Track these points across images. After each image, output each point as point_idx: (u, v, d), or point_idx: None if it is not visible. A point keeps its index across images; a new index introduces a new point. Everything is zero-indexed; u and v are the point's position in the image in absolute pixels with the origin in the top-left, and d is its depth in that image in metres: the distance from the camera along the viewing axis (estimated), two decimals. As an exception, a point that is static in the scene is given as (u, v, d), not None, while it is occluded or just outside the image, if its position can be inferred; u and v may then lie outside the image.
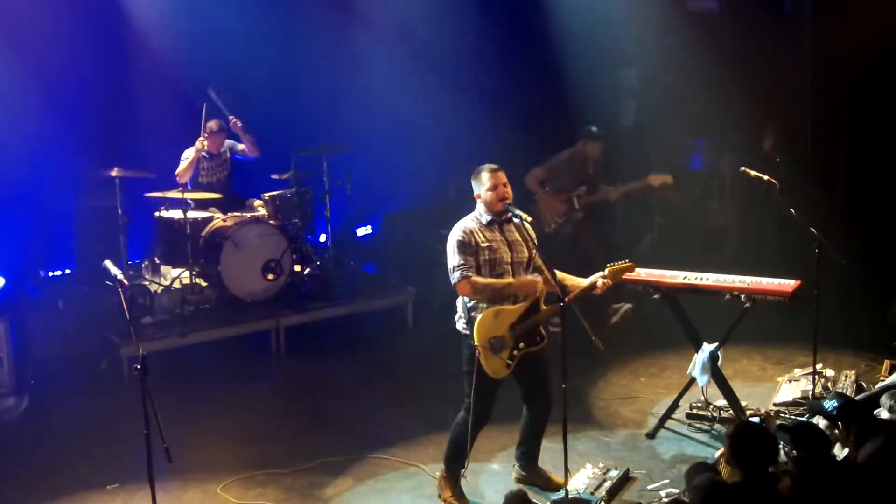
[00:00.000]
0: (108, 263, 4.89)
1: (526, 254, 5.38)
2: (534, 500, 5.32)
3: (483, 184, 5.36)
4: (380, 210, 10.61)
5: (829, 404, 4.98)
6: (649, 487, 5.73)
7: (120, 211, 8.28)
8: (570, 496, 5.32)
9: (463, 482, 5.60)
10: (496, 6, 9.89)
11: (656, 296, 6.35)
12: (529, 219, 5.40)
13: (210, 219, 8.57)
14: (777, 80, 9.27)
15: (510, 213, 5.32)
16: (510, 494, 5.02)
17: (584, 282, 5.45)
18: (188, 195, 8.35)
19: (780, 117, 9.37)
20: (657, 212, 9.96)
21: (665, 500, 5.55)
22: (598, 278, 5.43)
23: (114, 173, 8.20)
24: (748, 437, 4.46)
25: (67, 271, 9.12)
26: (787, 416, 6.40)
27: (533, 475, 5.77)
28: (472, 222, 5.39)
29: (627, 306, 8.34)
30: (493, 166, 5.40)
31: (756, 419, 5.56)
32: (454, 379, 5.67)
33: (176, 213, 8.42)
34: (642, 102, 10.48)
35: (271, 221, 8.62)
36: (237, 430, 6.74)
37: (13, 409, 7.08)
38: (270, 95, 9.60)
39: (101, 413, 6.95)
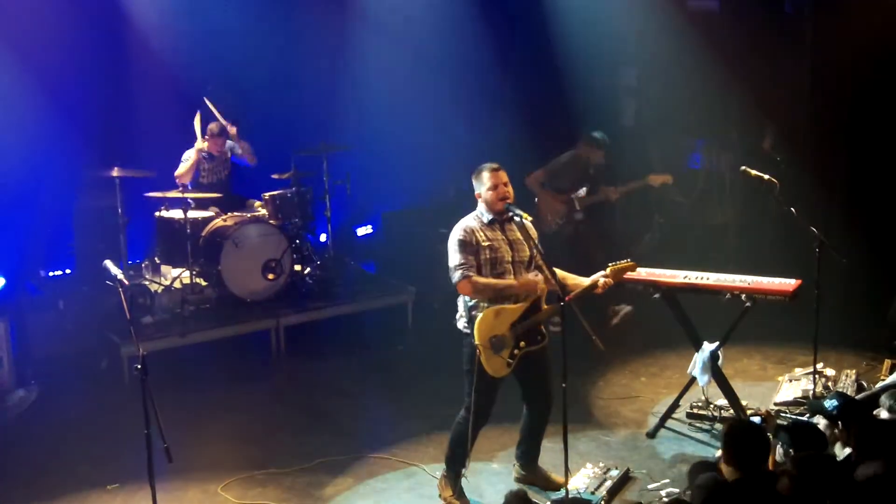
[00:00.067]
0: (108, 263, 4.88)
1: (527, 253, 5.38)
2: (534, 500, 5.33)
3: (484, 183, 5.36)
4: (380, 209, 10.61)
5: (830, 404, 4.98)
6: (650, 487, 5.73)
7: (120, 211, 8.28)
8: (570, 496, 5.32)
9: (463, 481, 5.60)
10: (496, 6, 9.89)
11: (656, 295, 6.35)
12: (530, 218, 5.41)
13: (210, 218, 8.58)
14: (777, 80, 9.27)
15: (511, 213, 5.32)
16: (510, 494, 5.02)
17: (585, 281, 5.45)
18: (188, 195, 8.35)
19: (780, 117, 9.37)
20: (657, 211, 9.96)
21: (665, 499, 5.55)
22: (600, 277, 5.43)
23: (114, 173, 8.21)
24: (741, 435, 4.48)
25: (67, 271, 9.11)
26: (788, 415, 6.40)
27: (533, 475, 5.77)
28: (473, 221, 5.39)
29: (627, 308, 8.34)
30: (494, 165, 5.40)
31: (756, 419, 5.54)
32: (454, 378, 5.66)
33: (176, 213, 8.43)
34: (642, 102, 10.48)
35: (271, 221, 8.62)
36: (237, 430, 6.75)
37: (23, 401, 7.09)
38: (270, 95, 9.61)
39: (101, 413, 6.95)
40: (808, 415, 6.12)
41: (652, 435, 6.43)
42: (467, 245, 5.30)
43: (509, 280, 5.31)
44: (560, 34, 9.69)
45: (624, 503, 5.62)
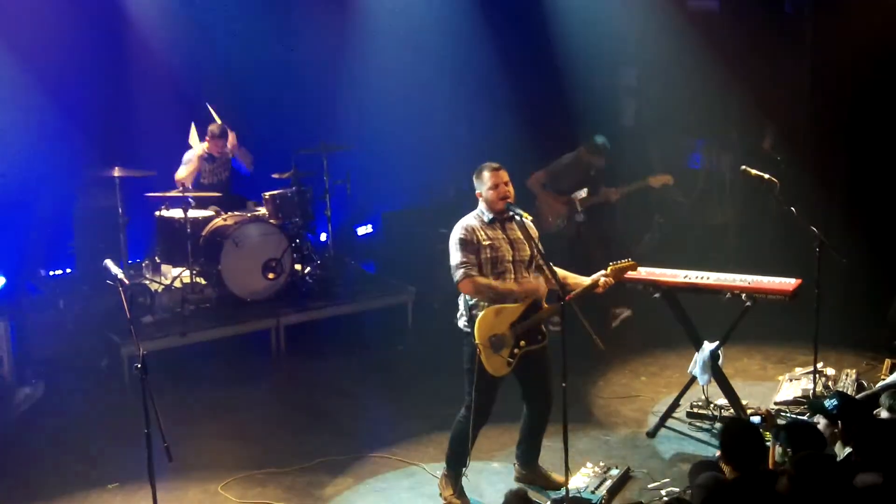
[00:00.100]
0: (108, 263, 4.88)
1: (528, 252, 5.38)
2: (534, 500, 5.33)
3: (484, 182, 5.37)
4: (380, 209, 10.62)
5: (830, 403, 4.98)
6: (650, 486, 5.73)
7: (120, 210, 8.28)
8: (570, 495, 5.32)
9: (464, 481, 5.60)
10: (496, 6, 9.89)
11: (657, 295, 6.35)
12: (530, 217, 5.41)
13: (210, 218, 8.58)
14: (777, 80, 9.27)
15: (511, 212, 5.32)
16: (510, 493, 5.02)
17: (585, 280, 5.45)
18: (189, 194, 8.36)
19: (780, 117, 9.38)
20: (657, 211, 9.96)
21: (666, 498, 5.55)
22: (600, 277, 5.43)
23: (115, 173, 8.19)
24: (736, 434, 4.49)
25: (68, 271, 9.11)
26: (788, 415, 6.40)
27: (533, 474, 5.77)
28: (474, 220, 5.39)
29: (627, 313, 8.33)
30: (495, 165, 5.40)
31: (756, 418, 5.55)
32: (454, 378, 5.67)
33: (176, 213, 8.43)
34: (642, 102, 10.48)
35: (272, 220, 8.62)
36: (237, 430, 6.74)
37: (28, 399, 7.08)
38: (270, 95, 9.62)
39: (101, 412, 6.95)
40: (808, 414, 6.11)
41: (652, 434, 6.43)
42: (468, 244, 5.30)
43: (511, 284, 5.31)
44: (560, 34, 9.69)
45: (624, 502, 5.62)
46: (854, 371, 7.05)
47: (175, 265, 8.68)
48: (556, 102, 9.76)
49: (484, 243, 5.32)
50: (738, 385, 6.63)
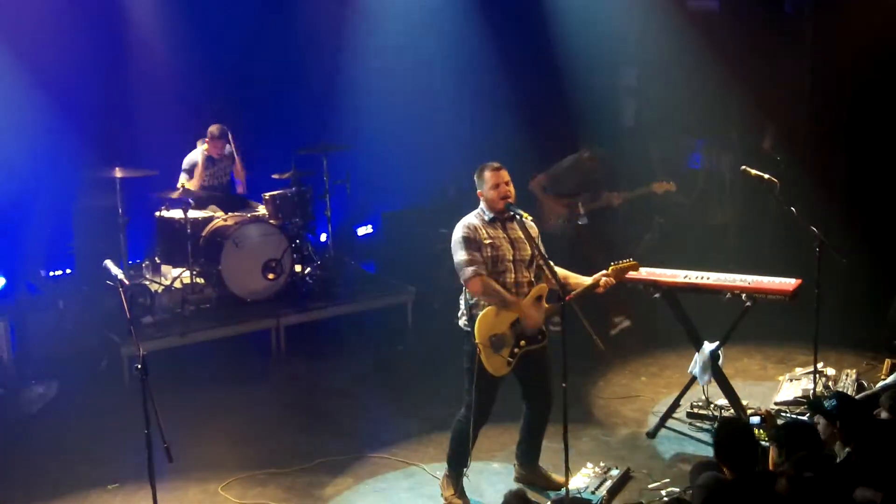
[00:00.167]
0: (108, 263, 4.88)
1: (528, 252, 5.38)
2: (534, 500, 5.32)
3: (485, 181, 5.37)
4: (380, 209, 10.62)
5: (829, 403, 4.98)
6: (650, 486, 5.73)
7: (120, 210, 8.27)
8: (570, 495, 5.31)
9: (464, 481, 5.59)
10: (496, 6, 9.89)
11: (657, 295, 6.35)
12: (530, 217, 5.41)
13: (210, 218, 8.58)
14: (777, 80, 9.27)
15: (511, 212, 5.32)
16: (510, 493, 5.01)
17: (586, 280, 5.45)
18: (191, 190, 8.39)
19: (780, 117, 9.37)
20: (657, 211, 9.96)
21: (666, 499, 5.55)
22: (601, 276, 5.43)
23: (117, 174, 8.17)
24: (726, 435, 4.50)
25: (67, 271, 9.10)
26: (788, 415, 6.40)
27: (533, 474, 5.77)
28: (475, 219, 5.39)
29: (626, 323, 8.31)
30: (496, 164, 5.40)
31: (756, 418, 5.55)
32: (454, 378, 5.67)
33: (176, 213, 8.43)
34: (642, 102, 10.48)
35: (272, 221, 8.62)
36: (237, 430, 6.75)
37: (41, 398, 7.08)
38: (271, 94, 9.62)
39: (101, 413, 6.94)
40: (808, 414, 6.11)
41: (652, 434, 6.43)
42: (472, 241, 5.30)
43: (516, 298, 5.30)
44: (560, 34, 9.69)
45: (624, 502, 5.62)
46: (854, 371, 7.04)
47: (175, 265, 8.68)
48: (556, 102, 9.75)
49: (485, 242, 5.32)
50: (738, 385, 6.63)
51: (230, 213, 8.68)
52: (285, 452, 6.30)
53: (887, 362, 6.92)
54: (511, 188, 5.37)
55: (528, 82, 10.01)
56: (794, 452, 4.49)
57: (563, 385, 4.99)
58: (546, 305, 5.40)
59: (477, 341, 5.21)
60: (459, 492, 5.58)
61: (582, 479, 5.66)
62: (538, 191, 8.44)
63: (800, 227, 6.24)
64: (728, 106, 9.40)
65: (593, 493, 5.53)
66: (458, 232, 5.35)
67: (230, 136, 8.76)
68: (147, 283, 8.51)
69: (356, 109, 9.77)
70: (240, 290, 8.33)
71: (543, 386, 5.56)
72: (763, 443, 5.16)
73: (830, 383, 6.81)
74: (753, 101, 9.31)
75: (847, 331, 7.67)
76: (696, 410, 6.55)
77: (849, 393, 6.39)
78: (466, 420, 5.40)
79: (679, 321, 6.43)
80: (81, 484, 5.96)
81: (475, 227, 5.35)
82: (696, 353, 6.36)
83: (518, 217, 5.30)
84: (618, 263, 5.49)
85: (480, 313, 5.26)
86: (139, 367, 4.43)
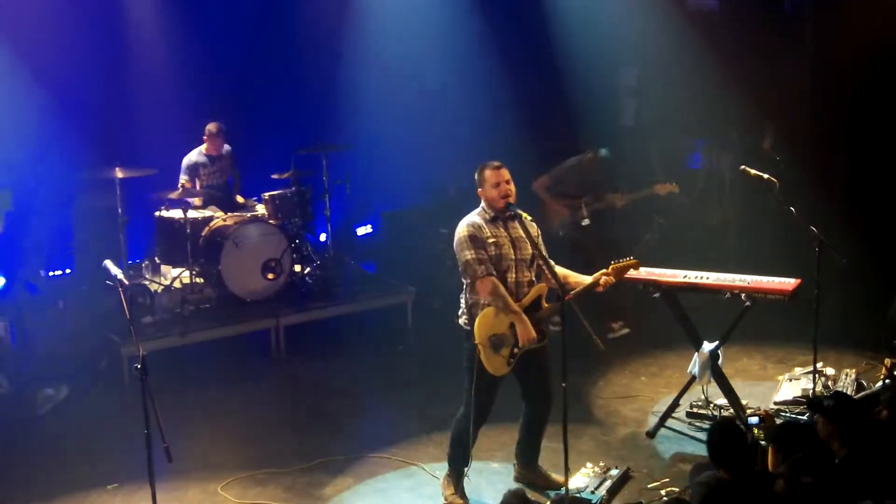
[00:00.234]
0: (108, 263, 4.88)
1: (529, 251, 5.37)
2: (533, 500, 5.33)
3: (486, 180, 5.37)
4: (380, 209, 10.62)
5: (828, 403, 4.98)
6: (649, 486, 5.73)
7: (120, 210, 8.27)
8: (570, 495, 5.31)
9: (464, 481, 5.59)
10: (496, 6, 9.89)
11: (656, 294, 6.35)
12: (529, 217, 5.41)
13: (210, 218, 8.58)
14: (777, 80, 9.28)
15: (511, 211, 5.32)
16: (509, 493, 5.02)
17: (586, 279, 5.45)
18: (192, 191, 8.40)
19: (780, 117, 9.38)
20: (657, 211, 9.96)
21: (665, 498, 5.55)
22: (601, 275, 5.43)
23: (117, 174, 8.16)
24: (717, 436, 4.51)
25: (67, 271, 9.11)
26: (788, 415, 6.40)
27: (533, 474, 5.77)
28: (478, 217, 5.39)
29: (625, 331, 8.29)
30: (496, 163, 5.40)
31: (755, 419, 5.55)
32: (454, 378, 5.67)
33: (176, 213, 8.43)
34: (642, 102, 10.49)
35: (271, 221, 8.62)
36: (237, 430, 6.75)
37: (49, 400, 7.07)
38: (271, 94, 9.62)
39: (100, 413, 6.94)
40: (807, 414, 6.11)
41: (652, 434, 6.43)
42: (477, 240, 5.30)
43: (518, 308, 5.29)
44: (560, 34, 9.69)
45: (624, 503, 5.62)
46: (854, 371, 7.04)
47: (175, 265, 8.68)
48: (556, 102, 9.76)
49: (489, 241, 5.32)
50: (737, 385, 6.63)
51: (230, 213, 8.68)
52: (285, 452, 6.30)
53: (887, 361, 6.92)
54: (511, 187, 5.37)
55: (528, 82, 10.01)
56: (792, 453, 4.50)
57: (563, 385, 4.98)
58: (546, 305, 5.40)
59: (477, 341, 5.21)
60: (460, 492, 5.58)
61: (581, 479, 5.66)
62: (541, 192, 8.43)
63: (799, 226, 6.24)
64: (728, 106, 9.40)
65: (593, 492, 5.53)
66: (463, 231, 5.35)
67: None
68: (147, 283, 8.52)
69: (356, 109, 9.78)
70: (239, 290, 8.33)
71: (543, 385, 5.56)
72: (762, 443, 5.16)
73: (830, 383, 6.81)
74: (753, 101, 9.31)
75: (847, 331, 7.68)
76: (695, 410, 6.56)
77: (848, 393, 6.39)
78: (466, 419, 5.40)
79: (679, 321, 6.43)
80: (81, 484, 5.96)
81: (479, 226, 5.34)
82: (696, 353, 6.36)
83: (518, 216, 5.31)
84: (618, 262, 5.48)
85: (480, 313, 5.26)
86: (139, 367, 4.44)
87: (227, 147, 8.93)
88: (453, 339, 5.59)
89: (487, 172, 5.37)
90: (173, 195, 8.35)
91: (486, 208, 5.41)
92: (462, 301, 5.45)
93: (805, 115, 9.30)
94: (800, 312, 6.60)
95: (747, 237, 9.57)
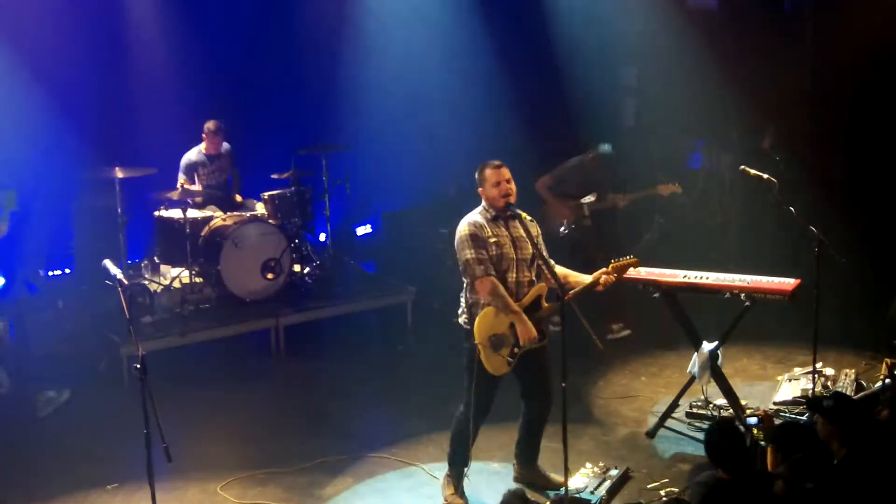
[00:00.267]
0: (107, 263, 4.88)
1: (529, 251, 5.37)
2: (533, 500, 5.33)
3: (486, 179, 5.37)
4: (379, 209, 10.62)
5: (828, 403, 4.98)
6: (649, 486, 5.73)
7: (119, 210, 8.27)
8: (569, 495, 5.31)
9: (464, 481, 5.59)
10: (496, 6, 9.89)
11: (656, 294, 6.35)
12: (529, 217, 5.41)
13: (210, 218, 8.58)
14: (777, 80, 9.28)
15: (511, 211, 5.32)
16: (509, 493, 5.02)
17: (586, 278, 5.45)
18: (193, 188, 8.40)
19: (780, 117, 9.38)
20: (658, 211, 9.96)
21: (665, 498, 5.55)
22: (601, 274, 5.42)
23: (118, 174, 8.16)
24: (714, 436, 4.51)
25: (67, 271, 9.11)
26: (787, 415, 6.40)
27: (532, 474, 5.77)
28: (479, 217, 5.39)
29: (626, 332, 8.29)
30: (496, 162, 5.40)
31: (753, 419, 5.56)
32: (454, 378, 5.66)
33: (175, 213, 8.43)
34: (642, 102, 10.49)
35: (271, 220, 8.62)
36: (237, 430, 6.75)
37: (50, 402, 7.07)
38: (270, 94, 9.62)
39: (100, 413, 6.94)
40: (807, 414, 6.11)
41: (651, 434, 6.43)
42: (478, 239, 5.30)
43: (518, 308, 5.29)
44: (560, 34, 9.69)
45: (623, 503, 5.62)
46: (853, 371, 7.04)
47: (174, 265, 8.68)
48: (556, 102, 9.76)
49: (490, 240, 5.32)
50: (737, 385, 6.64)
51: (229, 213, 8.68)
52: (285, 452, 6.30)
53: (887, 361, 6.92)
54: (512, 186, 5.37)
55: (528, 82, 10.01)
56: (791, 453, 4.49)
57: (563, 385, 4.98)
58: (546, 304, 5.40)
59: (477, 341, 5.21)
60: (460, 492, 5.58)
61: (581, 479, 5.66)
62: (544, 191, 8.42)
63: (799, 226, 6.24)
64: (728, 106, 9.41)
65: (592, 492, 5.53)
66: (464, 230, 5.35)
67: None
68: (146, 282, 8.52)
69: (356, 109, 9.78)
70: (239, 290, 8.33)
71: (543, 385, 5.56)
72: (761, 443, 5.16)
73: (829, 383, 6.80)
74: (753, 101, 9.31)
75: (847, 331, 7.68)
76: (695, 410, 6.55)
77: (848, 393, 6.39)
78: (466, 418, 5.40)
79: (678, 321, 6.43)
80: (81, 484, 5.95)
81: (480, 225, 5.34)
82: (696, 353, 6.36)
83: (518, 216, 5.31)
84: (618, 261, 5.48)
85: (480, 313, 5.27)
86: (138, 367, 4.43)
87: (226, 145, 8.93)
88: (453, 339, 5.59)
89: (488, 171, 5.38)
90: (173, 195, 8.35)
91: (487, 207, 5.42)
92: (462, 300, 5.45)
93: (805, 115, 9.31)
94: (800, 313, 6.60)
95: (747, 237, 9.56)
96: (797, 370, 7.18)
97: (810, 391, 6.65)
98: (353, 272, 9.43)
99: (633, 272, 5.69)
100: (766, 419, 5.28)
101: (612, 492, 5.62)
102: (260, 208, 8.86)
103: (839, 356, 7.44)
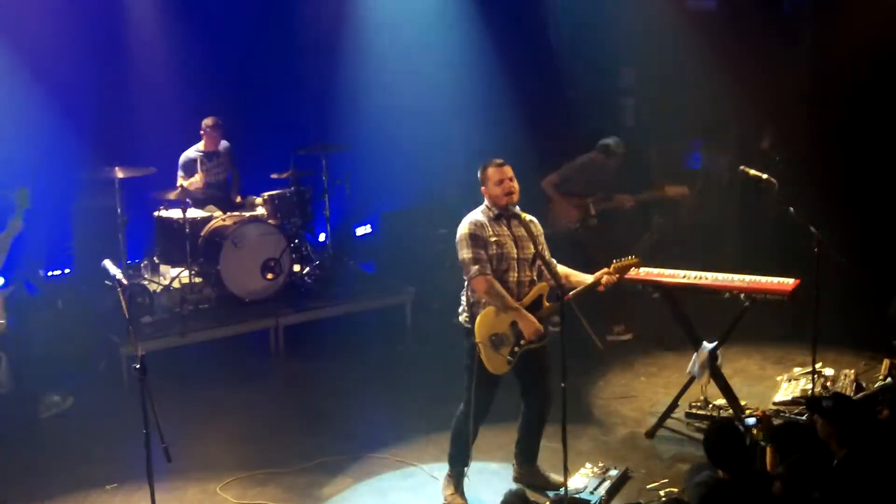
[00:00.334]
0: (107, 263, 4.88)
1: (531, 250, 5.37)
2: (533, 500, 5.33)
3: (489, 178, 5.37)
4: (379, 209, 10.61)
5: (827, 403, 4.98)
6: (648, 487, 5.73)
7: (119, 210, 8.27)
8: (569, 495, 5.32)
9: (464, 481, 5.59)
10: (496, 6, 9.89)
11: (656, 295, 6.35)
12: (529, 217, 5.41)
13: (209, 218, 8.58)
14: (776, 80, 9.27)
15: (512, 211, 5.33)
16: (509, 493, 5.03)
17: (588, 278, 5.45)
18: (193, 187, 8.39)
19: (780, 117, 9.37)
20: (657, 211, 9.95)
21: (664, 498, 5.55)
22: (602, 274, 5.43)
23: (118, 174, 8.15)
24: (713, 436, 4.51)
25: (67, 271, 9.11)
26: (787, 415, 6.40)
27: (532, 474, 5.77)
28: (481, 215, 5.39)
29: (627, 336, 8.27)
30: (499, 161, 5.41)
31: (752, 419, 5.56)
32: (454, 378, 5.67)
33: (175, 213, 8.43)
34: (642, 102, 10.48)
35: (270, 221, 8.62)
36: (236, 430, 6.75)
37: (53, 406, 7.07)
38: (270, 94, 9.61)
39: (100, 413, 6.94)
40: (806, 415, 6.11)
41: (651, 434, 6.43)
42: (478, 239, 5.30)
43: (517, 304, 5.30)
44: (560, 34, 9.68)
45: (623, 502, 5.62)
46: (853, 371, 7.05)
47: (174, 265, 8.68)
48: (556, 102, 9.75)
49: (491, 240, 5.32)
50: (736, 385, 6.64)
51: (229, 213, 8.68)
52: (285, 452, 6.30)
53: (886, 362, 6.93)
54: (515, 184, 5.37)
55: (528, 82, 10.00)
56: (790, 453, 4.50)
57: (563, 385, 4.99)
58: (546, 304, 5.40)
59: (477, 340, 5.21)
60: (460, 492, 5.59)
61: (581, 479, 5.66)
62: (550, 190, 8.41)
63: (799, 226, 6.24)
64: (727, 106, 9.40)
65: (592, 493, 5.54)
66: (465, 228, 5.35)
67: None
68: (146, 282, 8.52)
69: (355, 109, 9.77)
70: (239, 290, 8.33)
71: (542, 385, 5.56)
72: (761, 443, 5.17)
73: (829, 383, 6.81)
74: (752, 102, 9.30)
75: (846, 330, 7.67)
76: (694, 410, 6.55)
77: (847, 393, 6.40)
78: (466, 417, 5.41)
79: (678, 321, 6.43)
80: (81, 484, 5.96)
81: (482, 225, 5.34)
82: (695, 353, 6.36)
83: (518, 216, 5.31)
84: (620, 261, 5.48)
85: (481, 312, 5.27)
86: (138, 367, 4.43)
87: (225, 144, 8.93)
88: (453, 339, 5.59)
89: (490, 170, 5.38)
90: (172, 195, 8.34)
91: (489, 206, 5.42)
92: (463, 299, 5.45)
93: (804, 115, 9.29)
94: (799, 312, 6.59)
95: (747, 237, 9.55)
96: (796, 370, 7.19)
97: (810, 391, 6.66)
98: (353, 272, 9.43)
99: (632, 272, 5.69)
100: (765, 419, 5.28)
101: (612, 492, 5.62)
102: (258, 203, 8.83)
103: (838, 356, 7.44)
